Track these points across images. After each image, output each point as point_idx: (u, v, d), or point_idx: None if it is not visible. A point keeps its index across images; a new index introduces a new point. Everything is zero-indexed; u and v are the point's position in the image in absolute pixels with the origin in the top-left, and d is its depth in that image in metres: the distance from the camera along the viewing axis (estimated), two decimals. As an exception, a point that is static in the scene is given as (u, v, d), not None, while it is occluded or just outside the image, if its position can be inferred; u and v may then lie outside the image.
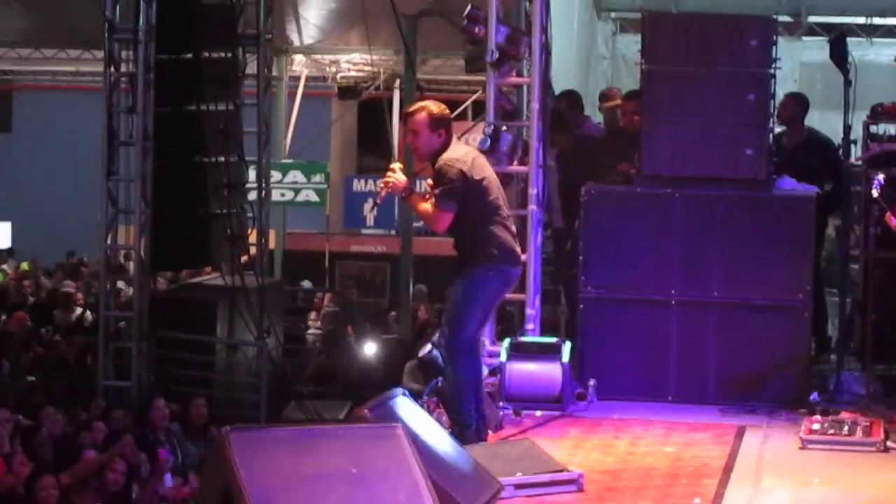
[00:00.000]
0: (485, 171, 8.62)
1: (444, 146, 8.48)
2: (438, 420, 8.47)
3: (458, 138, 9.12)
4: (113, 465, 11.33)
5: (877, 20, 17.52)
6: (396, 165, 8.60)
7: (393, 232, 24.03)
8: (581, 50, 17.27)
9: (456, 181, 8.34)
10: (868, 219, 10.07)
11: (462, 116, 20.16)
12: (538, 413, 9.85)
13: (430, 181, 8.54)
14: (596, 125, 12.51)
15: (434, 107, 8.60)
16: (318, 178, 24.48)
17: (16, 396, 13.54)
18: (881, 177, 9.99)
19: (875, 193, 9.96)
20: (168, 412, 13.14)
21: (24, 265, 25.06)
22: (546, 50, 10.81)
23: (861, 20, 17.84)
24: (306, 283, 22.95)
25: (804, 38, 17.95)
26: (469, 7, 10.64)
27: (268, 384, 14.99)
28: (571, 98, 12.44)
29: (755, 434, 9.40)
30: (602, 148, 11.66)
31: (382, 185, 8.63)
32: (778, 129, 11.46)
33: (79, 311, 19.12)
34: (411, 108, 8.77)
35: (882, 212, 9.78)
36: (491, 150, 10.01)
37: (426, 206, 8.46)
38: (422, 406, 8.69)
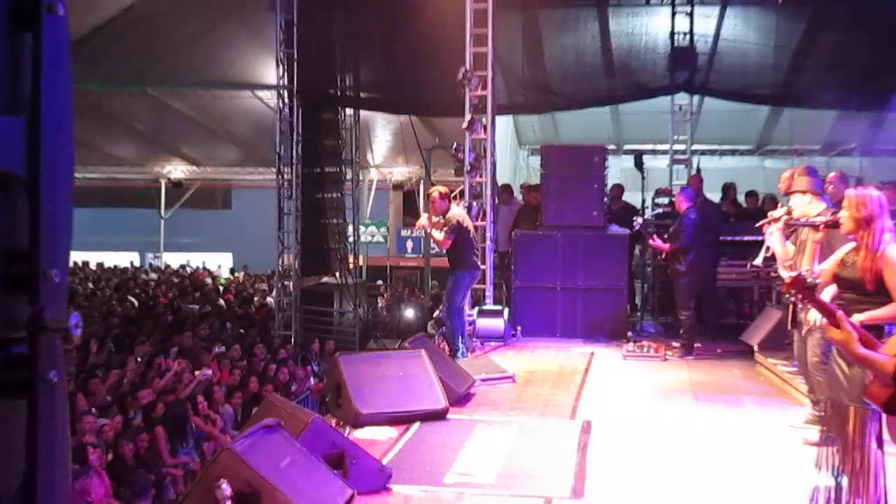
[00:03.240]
0: (468, 224, 8.71)
1: (448, 208, 8.57)
2: (442, 349, 8.53)
3: (457, 204, 9.17)
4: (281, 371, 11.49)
5: (658, 146, 17.54)
6: (424, 216, 8.67)
7: (421, 255, 23.98)
8: (511, 163, 17.32)
9: (455, 226, 8.43)
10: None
11: (453, 198, 20.09)
12: (493, 344, 9.88)
13: (442, 222, 8.55)
14: (517, 201, 12.55)
15: (443, 189, 8.74)
16: (383, 229, 24.62)
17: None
18: (639, 220, 10.21)
19: (636, 227, 10.16)
20: (316, 347, 13.22)
21: (238, 275, 25.12)
22: (493, 164, 10.86)
23: (651, 146, 17.88)
24: (379, 282, 22.96)
25: (623, 155, 17.97)
26: (455, 144, 10.74)
27: (359, 331, 15.06)
28: (507, 188, 12.50)
29: (600, 354, 9.45)
30: (522, 212, 11.71)
31: (417, 223, 8.75)
32: (608, 200, 11.54)
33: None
34: (431, 190, 8.83)
35: (648, 237, 9.85)
36: (468, 213, 10.06)
37: (439, 236, 8.47)
38: (435, 342, 8.77)
